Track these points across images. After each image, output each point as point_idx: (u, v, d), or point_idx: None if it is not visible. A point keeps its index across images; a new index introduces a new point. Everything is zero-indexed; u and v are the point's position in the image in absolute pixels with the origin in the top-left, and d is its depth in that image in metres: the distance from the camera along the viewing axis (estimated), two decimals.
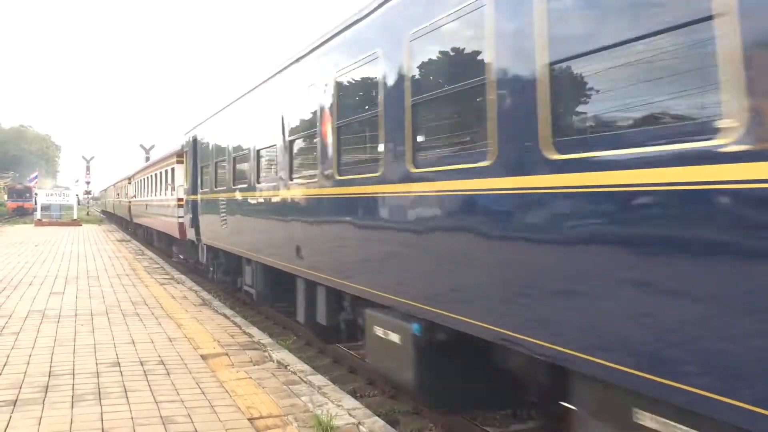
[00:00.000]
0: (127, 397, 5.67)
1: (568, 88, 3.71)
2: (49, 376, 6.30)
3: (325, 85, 6.98)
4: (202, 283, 14.61)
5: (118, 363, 6.88)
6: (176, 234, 18.18)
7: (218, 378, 6.36)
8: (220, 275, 12.93)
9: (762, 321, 2.57)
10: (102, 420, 5.09)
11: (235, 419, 5.17)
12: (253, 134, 9.94)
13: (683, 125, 3.01)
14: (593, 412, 3.64)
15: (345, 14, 6.71)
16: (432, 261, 4.94)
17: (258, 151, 9.66)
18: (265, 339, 8.36)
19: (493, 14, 4.16)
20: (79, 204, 51.20)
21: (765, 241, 2.56)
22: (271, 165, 9.12)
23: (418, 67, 5.21)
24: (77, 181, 58.67)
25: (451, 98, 4.88)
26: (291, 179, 8.05)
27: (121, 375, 6.41)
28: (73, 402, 5.53)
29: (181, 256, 19.11)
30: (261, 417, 5.23)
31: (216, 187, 12.59)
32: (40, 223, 40.23)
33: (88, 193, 59.82)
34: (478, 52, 4.44)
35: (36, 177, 66.62)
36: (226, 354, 7.39)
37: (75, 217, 42.97)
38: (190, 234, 15.36)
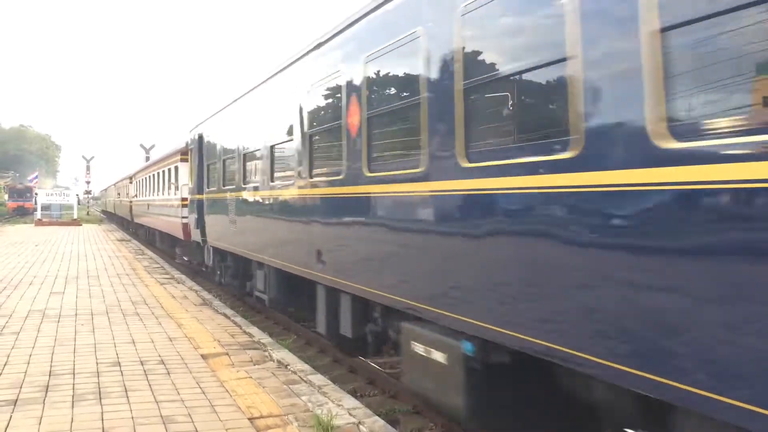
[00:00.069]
0: (127, 397, 5.67)
1: None
2: (50, 376, 6.30)
3: (354, 70, 6.31)
4: (203, 283, 14.61)
5: (119, 363, 6.88)
6: (180, 235, 17.73)
7: (218, 377, 6.36)
8: (228, 279, 12.31)
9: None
10: (102, 420, 5.09)
11: (235, 419, 5.16)
12: (267, 129, 9.25)
13: None
14: None
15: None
16: (497, 271, 4.17)
17: (272, 146, 8.96)
18: (266, 338, 8.36)
19: None
20: (79, 204, 51.21)
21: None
22: (288, 161, 8.38)
23: (472, 44, 4.41)
24: (76, 179, 58.68)
25: (519, 80, 4.05)
26: (311, 176, 7.37)
27: (122, 375, 6.41)
28: (73, 401, 5.53)
29: (185, 258, 18.59)
30: (261, 416, 5.23)
31: (224, 186, 11.85)
32: (40, 222, 40.25)
33: (88, 192, 59.84)
34: (560, 18, 3.61)
35: (36, 177, 66.74)
36: (227, 353, 7.39)
37: (75, 216, 42.97)
38: (195, 235, 14.70)
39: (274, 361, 7.11)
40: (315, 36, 7.56)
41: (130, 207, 34.36)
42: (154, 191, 24.63)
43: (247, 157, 10.37)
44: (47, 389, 5.88)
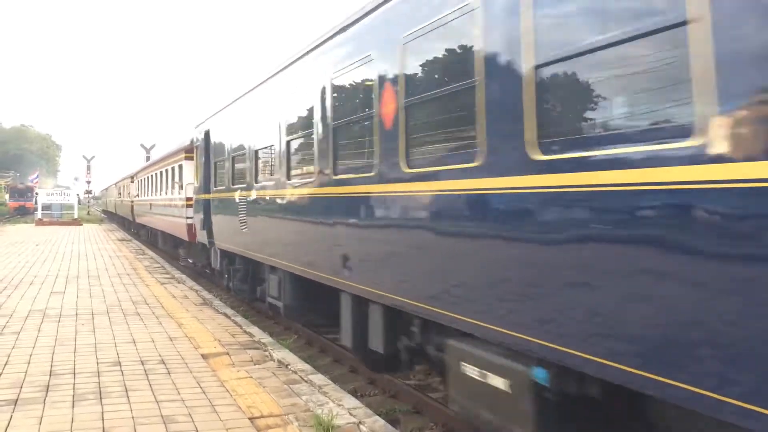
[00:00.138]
0: (127, 397, 5.67)
1: None
2: (50, 376, 6.30)
3: (389, 53, 5.62)
4: (203, 283, 14.61)
5: (119, 362, 6.88)
6: (184, 236, 17.07)
7: (219, 377, 6.36)
8: (237, 283, 11.44)
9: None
10: (103, 419, 5.09)
11: (235, 418, 5.16)
12: (284, 122, 8.48)
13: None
14: None
15: None
16: (590, 284, 3.42)
17: (288, 142, 8.25)
18: (266, 338, 8.36)
19: None
20: (79, 203, 51.25)
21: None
22: (307, 157, 7.70)
23: (543, 18, 3.76)
24: (77, 179, 58.70)
25: (604, 57, 3.39)
26: (335, 174, 6.69)
27: (122, 374, 6.41)
28: (73, 401, 5.54)
29: (189, 260, 18.04)
30: (262, 416, 5.23)
31: (234, 185, 11.07)
32: (40, 222, 40.29)
33: (88, 192, 59.83)
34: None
35: (37, 176, 66.84)
36: (227, 353, 7.39)
37: (76, 216, 43.00)
38: (201, 236, 14.02)
39: (274, 361, 7.10)
40: (338, 19, 6.86)
41: (132, 207, 34.09)
42: (156, 191, 24.01)
43: (260, 153, 9.67)
44: (48, 389, 5.88)
